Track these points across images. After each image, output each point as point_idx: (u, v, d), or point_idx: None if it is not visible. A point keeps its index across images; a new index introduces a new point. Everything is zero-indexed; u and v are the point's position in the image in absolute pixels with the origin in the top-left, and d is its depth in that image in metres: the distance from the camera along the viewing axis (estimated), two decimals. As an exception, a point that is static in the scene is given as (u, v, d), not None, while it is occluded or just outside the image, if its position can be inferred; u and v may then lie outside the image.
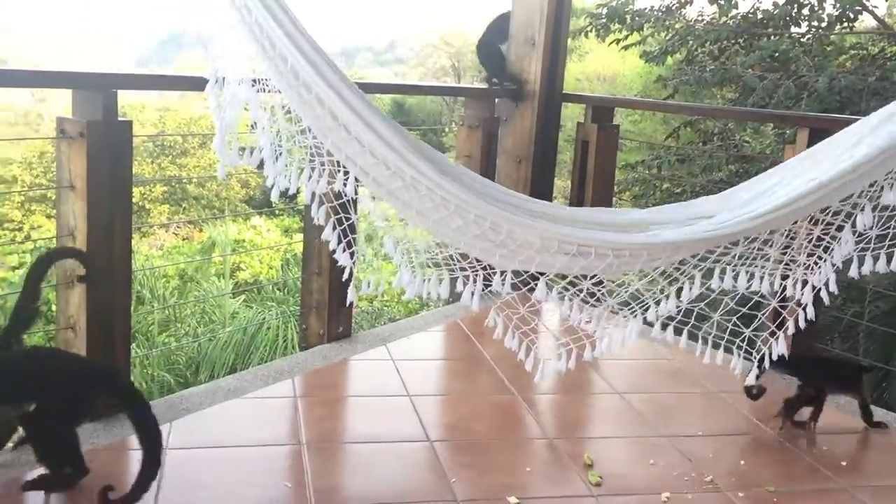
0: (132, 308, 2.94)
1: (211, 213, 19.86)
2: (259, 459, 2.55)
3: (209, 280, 10.80)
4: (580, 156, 4.28)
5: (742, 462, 2.75)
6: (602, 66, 23.45)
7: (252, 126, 2.26)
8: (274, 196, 2.23)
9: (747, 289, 2.34)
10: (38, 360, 2.33)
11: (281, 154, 2.22)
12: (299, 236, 15.18)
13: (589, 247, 2.16)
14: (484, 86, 4.46)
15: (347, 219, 2.35)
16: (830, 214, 2.32)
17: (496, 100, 4.34)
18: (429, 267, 2.26)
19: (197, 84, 2.43)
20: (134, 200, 2.82)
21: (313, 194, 2.26)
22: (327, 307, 3.54)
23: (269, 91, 2.19)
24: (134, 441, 2.54)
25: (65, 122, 2.60)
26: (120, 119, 2.65)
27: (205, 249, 11.15)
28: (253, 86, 2.21)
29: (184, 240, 15.58)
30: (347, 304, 2.47)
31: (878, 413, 3.13)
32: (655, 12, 7.98)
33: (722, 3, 7.34)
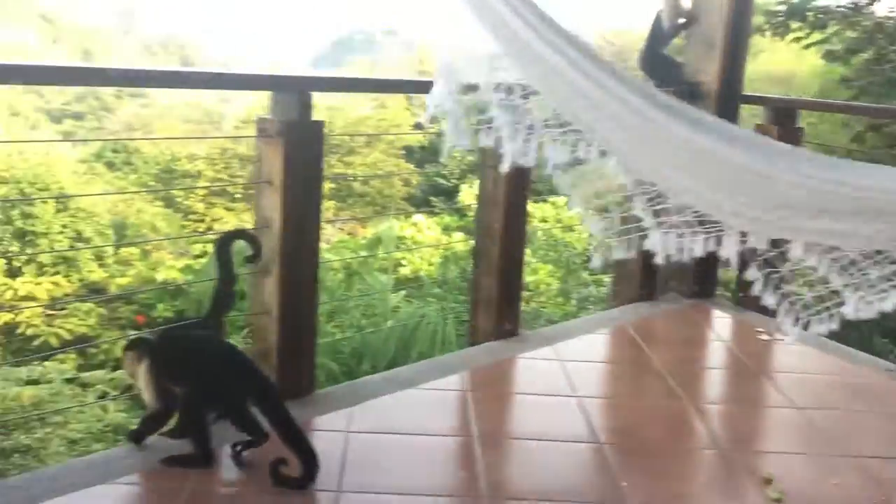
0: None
1: (373, 210, 20.57)
2: (433, 448, 2.64)
3: (372, 274, 11.20)
4: (759, 159, 4.12)
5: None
6: (774, 65, 22.34)
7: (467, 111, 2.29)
8: (505, 168, 2.24)
9: None
10: (203, 349, 2.49)
11: (519, 130, 2.23)
12: (459, 234, 15.47)
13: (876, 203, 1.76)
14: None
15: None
16: None
17: (671, 101, 4.25)
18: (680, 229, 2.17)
19: (387, 86, 2.55)
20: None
21: (553, 166, 2.24)
22: (496, 305, 3.61)
23: (503, 71, 2.20)
24: (318, 422, 2.73)
25: (264, 122, 2.80)
26: (313, 119, 2.82)
27: (369, 245, 11.57)
28: (486, 66, 2.22)
29: (349, 234, 16.21)
30: (595, 266, 2.44)
31: None
32: (841, 9, 7.54)
33: (918, -2, 6.84)
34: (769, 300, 2.10)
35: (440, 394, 3.07)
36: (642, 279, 4.23)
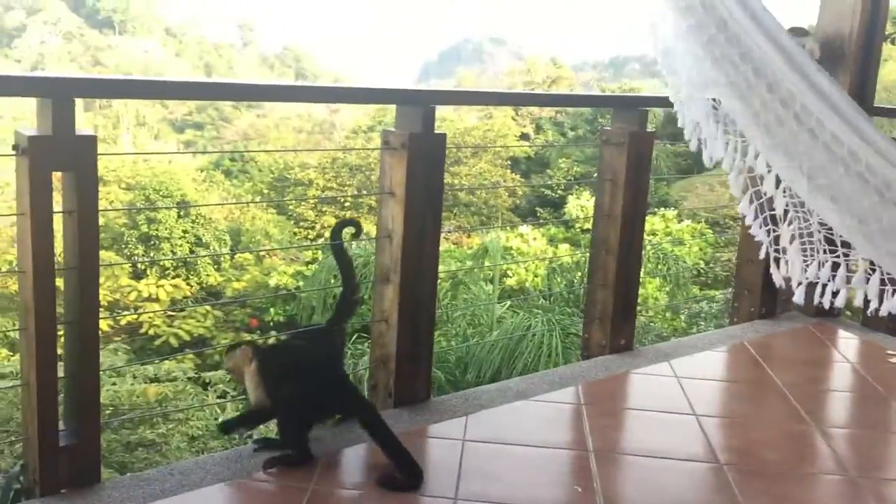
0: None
1: (479, 219, 20.69)
2: (548, 460, 2.64)
3: (477, 284, 11.27)
4: (891, 174, 3.94)
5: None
6: (903, 74, 21.28)
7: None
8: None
9: None
10: (306, 362, 2.58)
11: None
12: (565, 246, 15.37)
13: None
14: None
15: (765, 193, 2.28)
16: None
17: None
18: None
19: (509, 99, 2.56)
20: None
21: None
22: (611, 319, 3.57)
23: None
24: (434, 430, 2.77)
25: (389, 135, 2.87)
26: (436, 132, 2.87)
27: (476, 255, 11.64)
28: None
29: (454, 244, 16.35)
30: (778, 286, 2.40)
31: None
32: (981, 14, 7.11)
33: None
34: None
35: (554, 406, 3.07)
36: (762, 296, 4.10)
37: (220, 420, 2.66)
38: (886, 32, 7.74)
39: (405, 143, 2.79)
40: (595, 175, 3.65)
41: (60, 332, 2.26)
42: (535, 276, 13.09)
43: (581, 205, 16.87)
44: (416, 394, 2.96)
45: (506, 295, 12.27)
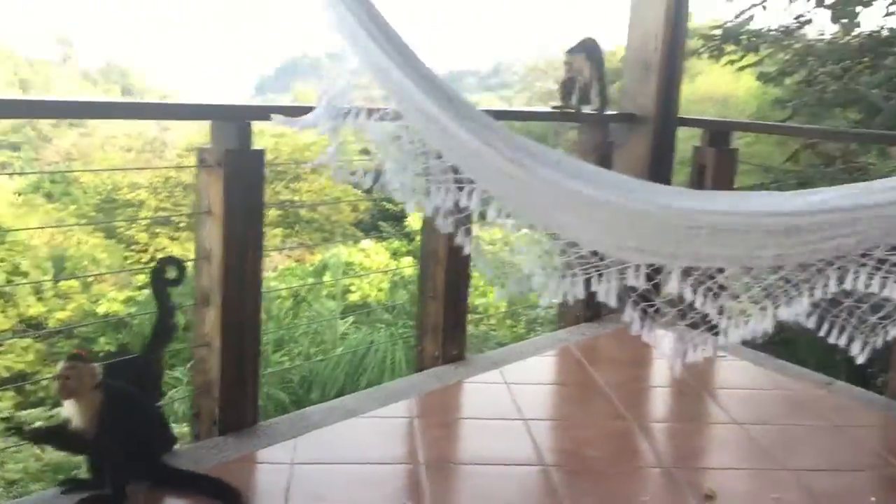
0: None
1: (321, 236, 20.47)
2: (379, 477, 2.62)
3: (320, 301, 11.11)
4: (696, 180, 4.22)
5: (873, 499, 2.63)
6: (713, 87, 22.95)
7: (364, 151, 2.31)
8: (409, 209, 2.25)
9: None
10: (142, 407, 2.49)
11: (405, 172, 2.24)
12: (407, 259, 15.46)
13: (731, 225, 1.84)
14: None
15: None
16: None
17: (610, 124, 4.34)
18: (562, 269, 2.17)
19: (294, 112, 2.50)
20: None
21: (437, 208, 2.25)
22: (442, 330, 3.61)
23: (384, 116, 2.22)
24: (262, 455, 2.69)
25: (204, 152, 2.76)
26: (253, 148, 2.80)
27: (317, 272, 11.48)
28: (369, 114, 2.25)
29: (296, 262, 16.07)
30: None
31: None
32: (773, 33, 7.78)
33: (845, 21, 7.09)
34: (647, 336, 2.11)
35: (386, 421, 3.05)
36: (587, 300, 4.25)
37: (34, 426, 2.49)
38: (697, 48, 8.34)
39: (220, 160, 2.70)
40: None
41: None
42: (379, 290, 13.07)
43: (422, 217, 17.04)
44: (243, 419, 2.86)
45: (350, 311, 12.18)
